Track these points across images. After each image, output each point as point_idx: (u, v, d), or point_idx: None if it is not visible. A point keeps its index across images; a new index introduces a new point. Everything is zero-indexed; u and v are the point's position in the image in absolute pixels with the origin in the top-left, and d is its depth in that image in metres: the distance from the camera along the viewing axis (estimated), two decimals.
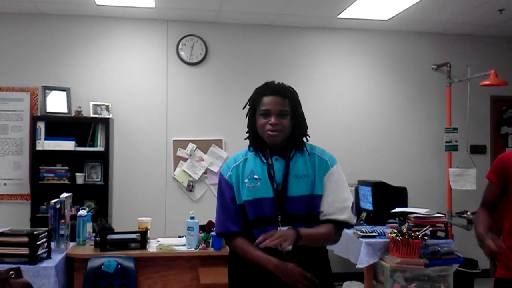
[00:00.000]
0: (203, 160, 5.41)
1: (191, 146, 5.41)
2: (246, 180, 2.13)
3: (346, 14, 5.22)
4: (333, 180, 2.14)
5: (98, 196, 5.10)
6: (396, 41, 5.90)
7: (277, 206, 2.08)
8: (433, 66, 5.92)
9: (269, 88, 2.14)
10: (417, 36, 5.92)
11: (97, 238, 3.61)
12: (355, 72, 5.82)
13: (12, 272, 1.68)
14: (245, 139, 2.21)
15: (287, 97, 2.13)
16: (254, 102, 2.16)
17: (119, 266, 3.37)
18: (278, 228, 2.04)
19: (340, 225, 2.13)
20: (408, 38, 5.91)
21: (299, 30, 5.69)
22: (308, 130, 2.20)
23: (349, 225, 2.15)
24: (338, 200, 2.12)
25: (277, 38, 5.65)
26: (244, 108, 2.19)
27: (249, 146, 2.22)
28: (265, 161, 2.15)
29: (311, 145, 2.23)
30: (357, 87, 5.81)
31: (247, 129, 2.20)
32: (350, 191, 2.20)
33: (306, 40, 5.72)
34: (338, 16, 5.30)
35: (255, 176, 2.12)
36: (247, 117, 2.19)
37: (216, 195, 2.26)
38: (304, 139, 2.20)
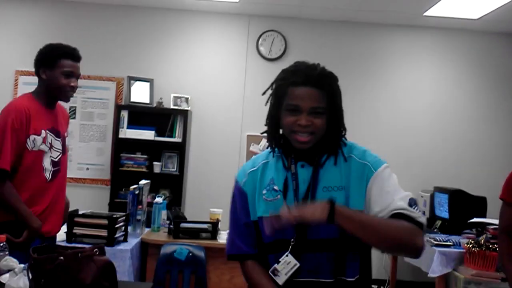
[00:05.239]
0: None
1: (264, 142, 5.45)
2: (264, 191, 1.67)
3: (433, 11, 5.02)
4: (382, 183, 1.59)
5: (173, 185, 5.26)
6: (484, 42, 5.61)
7: (295, 226, 1.56)
8: None
9: (300, 74, 1.62)
10: (507, 38, 5.59)
11: (171, 226, 3.73)
12: (439, 73, 5.60)
13: (96, 249, 1.78)
14: (262, 133, 1.75)
15: (324, 88, 1.61)
16: (278, 90, 1.65)
17: (190, 254, 3.47)
18: (285, 256, 1.60)
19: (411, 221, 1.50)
20: (497, 39, 5.60)
21: (381, 27, 5.56)
22: (345, 131, 1.68)
23: (416, 222, 1.51)
24: (394, 196, 1.56)
25: (359, 35, 5.55)
26: (263, 94, 1.73)
27: (271, 146, 1.74)
28: (288, 166, 1.67)
29: (350, 146, 1.69)
30: (441, 88, 5.59)
31: (265, 122, 1.73)
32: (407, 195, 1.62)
33: (389, 38, 5.58)
34: (424, 14, 5.11)
35: (275, 187, 1.65)
36: (268, 105, 1.72)
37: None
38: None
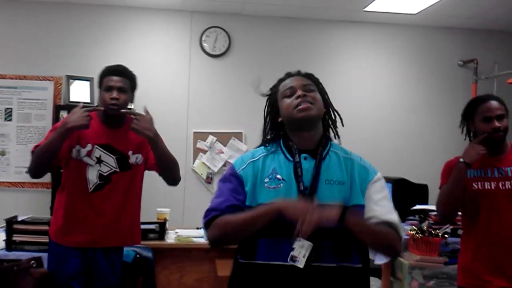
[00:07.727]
0: (222, 152, 5.41)
1: (211, 138, 5.41)
2: (266, 180, 1.75)
3: (373, 7, 5.14)
4: (380, 188, 1.81)
5: None
6: (422, 36, 5.79)
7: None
8: (459, 62, 5.80)
9: (288, 73, 1.92)
10: (445, 32, 5.81)
11: None
12: (380, 66, 5.74)
13: (33, 261, 1.70)
14: (263, 139, 1.92)
15: (311, 78, 1.87)
16: (272, 91, 1.92)
17: (138, 256, 3.39)
18: (297, 240, 1.63)
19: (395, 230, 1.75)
20: (435, 33, 5.80)
21: (324, 23, 5.63)
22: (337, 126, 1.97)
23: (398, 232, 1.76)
24: (388, 208, 1.78)
25: (301, 31, 5.60)
26: (266, 96, 1.97)
27: (265, 145, 1.89)
28: (291, 158, 1.78)
29: (345, 150, 1.91)
30: (381, 82, 5.74)
31: (263, 127, 1.92)
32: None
33: (331, 33, 5.66)
34: (364, 9, 5.22)
35: (278, 176, 1.75)
36: (266, 113, 1.93)
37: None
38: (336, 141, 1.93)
